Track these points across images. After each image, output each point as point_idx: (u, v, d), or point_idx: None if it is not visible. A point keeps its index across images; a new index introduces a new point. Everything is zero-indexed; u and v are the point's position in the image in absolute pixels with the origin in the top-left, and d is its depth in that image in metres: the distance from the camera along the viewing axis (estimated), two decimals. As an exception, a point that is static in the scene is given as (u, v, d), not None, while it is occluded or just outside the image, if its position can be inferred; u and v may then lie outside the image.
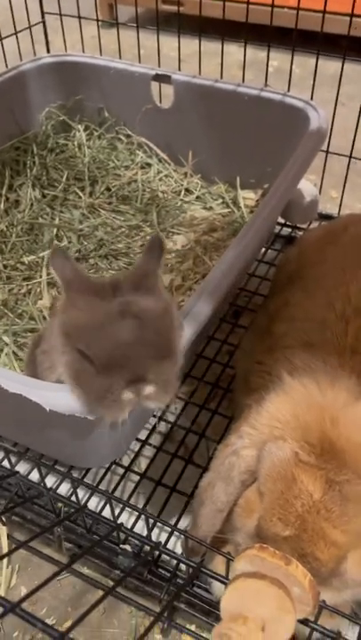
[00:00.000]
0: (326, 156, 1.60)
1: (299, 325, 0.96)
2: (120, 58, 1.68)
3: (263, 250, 1.62)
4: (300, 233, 1.67)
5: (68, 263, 0.76)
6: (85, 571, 1.05)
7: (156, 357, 0.69)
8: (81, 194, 1.60)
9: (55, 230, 1.48)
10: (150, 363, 0.68)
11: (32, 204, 1.55)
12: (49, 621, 0.99)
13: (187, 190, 1.67)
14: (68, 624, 0.98)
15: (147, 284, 0.76)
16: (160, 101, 1.65)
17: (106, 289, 0.75)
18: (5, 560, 1.06)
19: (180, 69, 1.60)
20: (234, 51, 1.75)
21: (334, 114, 1.49)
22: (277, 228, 1.69)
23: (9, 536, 1.07)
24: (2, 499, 1.07)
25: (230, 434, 0.85)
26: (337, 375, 0.80)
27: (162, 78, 1.60)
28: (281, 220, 1.67)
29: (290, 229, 1.69)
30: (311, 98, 1.45)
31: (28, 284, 1.35)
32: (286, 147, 1.33)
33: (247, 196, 1.60)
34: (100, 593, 1.01)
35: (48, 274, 1.37)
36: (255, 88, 1.50)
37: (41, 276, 1.37)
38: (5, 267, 1.39)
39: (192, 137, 1.64)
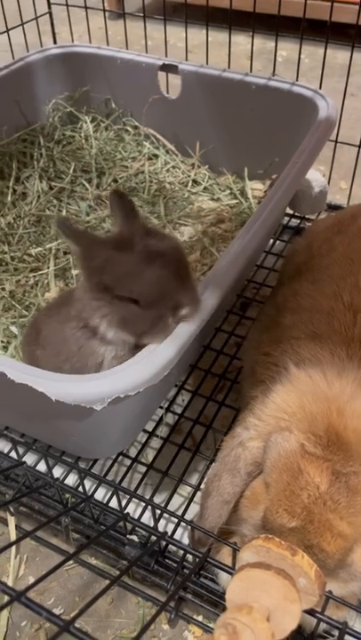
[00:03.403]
0: (335, 146, 1.58)
1: (306, 316, 0.96)
2: (127, 49, 1.67)
3: (271, 241, 1.61)
4: (309, 224, 1.66)
5: (74, 227, 0.83)
6: (93, 561, 1.05)
7: (184, 284, 0.81)
8: (88, 185, 1.60)
9: (62, 222, 1.48)
10: (182, 290, 0.80)
11: (39, 196, 1.55)
12: (56, 611, 0.99)
13: (194, 181, 1.66)
14: (75, 613, 0.99)
15: (152, 231, 0.85)
16: (167, 92, 1.64)
17: (123, 242, 0.82)
18: (14, 550, 1.07)
19: (187, 60, 1.59)
20: (241, 41, 1.74)
21: (343, 103, 1.47)
22: (286, 219, 1.68)
23: (17, 526, 1.08)
24: (10, 489, 1.08)
25: (237, 425, 0.85)
26: (344, 366, 0.80)
27: (169, 68, 1.58)
28: (289, 211, 1.66)
29: (298, 220, 1.68)
30: (320, 87, 1.44)
31: (35, 276, 1.35)
32: (295, 137, 1.31)
33: (255, 187, 1.59)
34: (108, 583, 1.02)
35: (55, 265, 1.37)
36: (263, 77, 1.49)
37: (48, 268, 1.37)
38: (13, 259, 1.39)
39: (199, 127, 1.63)
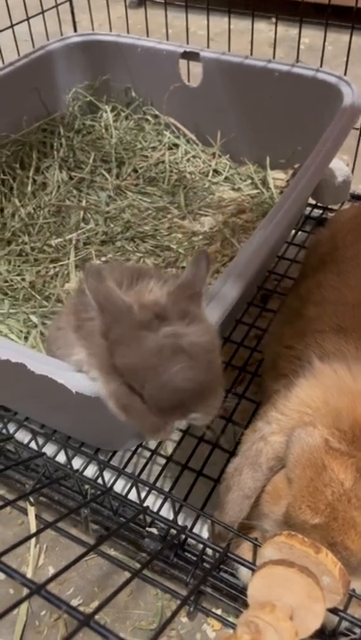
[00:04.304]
0: (360, 135, 1.55)
1: (331, 309, 0.94)
2: (148, 37, 1.65)
3: (293, 232, 1.58)
4: (332, 214, 1.63)
5: (102, 286, 0.72)
6: (112, 552, 1.05)
7: (206, 394, 0.69)
8: (108, 175, 1.59)
9: (82, 213, 1.48)
10: (200, 400, 0.69)
11: (59, 187, 1.54)
12: (75, 601, 1.00)
13: (215, 171, 1.64)
14: (94, 604, 1.00)
15: (192, 309, 0.73)
16: (188, 80, 1.61)
17: (149, 317, 0.71)
18: (34, 540, 1.07)
19: (208, 48, 1.57)
20: (263, 28, 1.70)
21: (368, 90, 1.43)
22: (308, 209, 1.65)
23: (37, 516, 1.09)
24: (30, 479, 1.08)
25: (258, 419, 0.84)
26: (370, 360, 0.78)
27: (190, 56, 1.56)
28: (312, 201, 1.63)
29: (321, 211, 1.65)
30: (345, 74, 1.40)
31: (55, 267, 1.35)
32: (318, 124, 1.29)
33: (277, 177, 1.57)
34: (127, 574, 1.02)
35: (76, 256, 1.36)
36: (286, 64, 1.46)
37: (68, 259, 1.36)
38: (33, 249, 1.39)
39: (220, 116, 1.61)
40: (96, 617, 0.49)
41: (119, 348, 0.70)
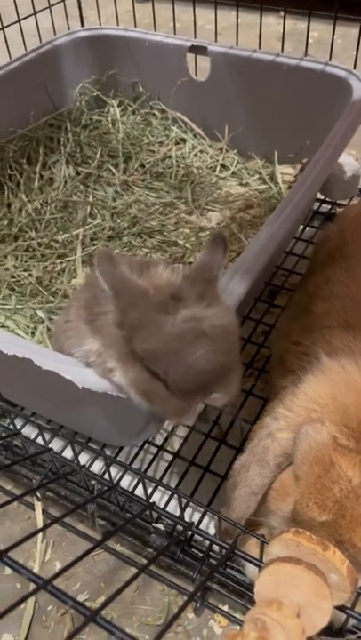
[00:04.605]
0: (369, 129, 1.53)
1: (339, 305, 0.93)
2: (155, 31, 1.64)
3: (301, 227, 1.57)
4: (340, 210, 1.61)
5: (116, 270, 0.72)
6: (119, 548, 1.05)
7: (226, 374, 0.70)
8: (115, 171, 1.58)
9: (89, 208, 1.47)
10: (221, 380, 0.70)
11: (66, 182, 1.54)
12: (82, 596, 1.00)
13: (222, 166, 1.63)
14: (101, 599, 1.00)
15: (209, 291, 0.73)
16: (196, 74, 1.61)
17: (167, 301, 0.70)
18: (40, 535, 1.08)
19: (216, 42, 1.56)
20: (271, 22, 1.69)
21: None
22: (316, 204, 1.64)
23: (44, 511, 1.09)
24: (37, 474, 1.09)
25: (265, 416, 0.83)
26: (379, 357, 0.77)
27: (198, 50, 1.55)
28: (320, 197, 1.62)
29: (329, 206, 1.64)
30: (354, 68, 1.39)
31: (62, 262, 1.35)
32: (327, 119, 1.27)
33: (285, 172, 1.56)
34: (133, 570, 1.02)
35: (82, 252, 1.36)
36: (295, 58, 1.45)
37: (75, 254, 1.36)
38: (40, 245, 1.39)
39: (228, 110, 1.60)
40: (102, 612, 0.49)
41: (138, 333, 0.68)
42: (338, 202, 1.64)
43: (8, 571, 1.04)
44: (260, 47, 1.54)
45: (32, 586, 0.53)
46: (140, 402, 0.73)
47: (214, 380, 0.69)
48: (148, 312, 0.69)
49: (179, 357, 0.67)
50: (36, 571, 0.98)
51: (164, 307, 0.69)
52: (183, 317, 0.68)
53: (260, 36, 1.54)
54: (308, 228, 1.59)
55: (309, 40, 1.55)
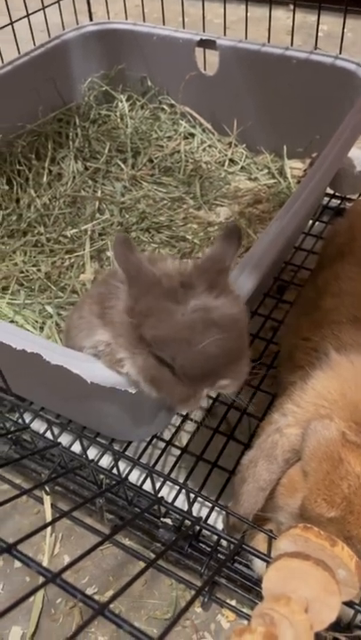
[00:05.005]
0: (379, 123, 1.52)
1: (348, 300, 0.93)
2: (164, 26, 1.64)
3: (310, 222, 1.56)
4: (350, 204, 1.60)
5: (132, 255, 0.73)
6: (127, 542, 1.06)
7: (234, 363, 0.71)
8: (123, 166, 1.58)
9: (97, 203, 1.47)
10: (228, 366, 0.71)
11: (74, 177, 1.54)
12: (90, 590, 1.00)
13: (231, 161, 1.62)
14: (109, 593, 1.00)
15: (220, 281, 0.73)
16: (204, 68, 1.60)
17: (177, 288, 0.71)
18: (49, 529, 1.08)
19: (225, 36, 1.55)
20: (281, 16, 1.68)
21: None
22: (326, 199, 1.63)
23: (53, 505, 1.10)
24: (45, 468, 1.09)
25: (274, 411, 0.83)
26: (388, 352, 0.77)
27: (207, 44, 1.54)
28: (330, 191, 1.61)
29: (339, 201, 1.63)
30: (364, 61, 1.38)
31: (70, 258, 1.35)
32: (337, 113, 1.26)
33: (294, 166, 1.55)
34: (141, 564, 1.03)
35: (91, 247, 1.36)
36: (304, 51, 1.44)
37: (84, 250, 1.36)
38: (48, 240, 1.39)
39: (237, 105, 1.59)
40: (111, 606, 0.49)
41: (148, 320, 0.69)
42: (347, 196, 1.63)
43: (17, 564, 1.05)
44: (269, 41, 1.53)
45: (41, 579, 0.54)
46: (148, 390, 0.74)
47: (221, 367, 0.70)
48: (159, 299, 0.70)
49: (187, 344, 0.67)
50: (45, 564, 0.99)
51: (174, 295, 0.70)
52: (193, 307, 0.69)
53: (269, 29, 1.53)
54: (317, 222, 1.58)
55: (319, 33, 1.54)
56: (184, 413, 1.15)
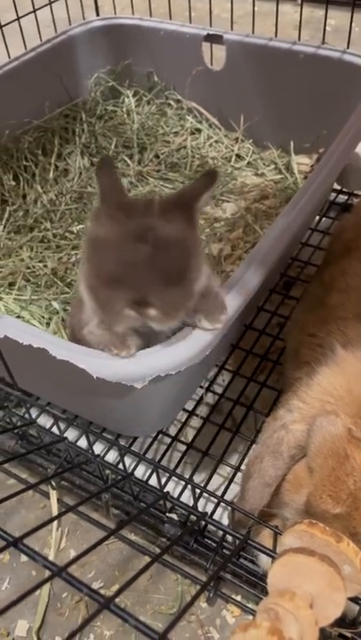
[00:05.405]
0: (387, 118, 1.51)
1: (355, 296, 0.92)
2: (170, 20, 1.63)
3: (317, 218, 1.56)
4: (357, 200, 1.60)
5: (112, 175, 0.76)
6: (133, 537, 1.06)
7: (164, 283, 0.68)
8: (129, 161, 1.58)
9: (104, 199, 1.47)
10: (156, 287, 0.68)
11: (81, 173, 1.54)
12: (96, 584, 1.01)
13: (237, 156, 1.62)
14: (115, 587, 1.01)
15: (181, 212, 0.73)
16: (211, 63, 1.59)
17: (137, 208, 0.73)
18: (55, 523, 1.09)
19: (232, 30, 1.54)
20: (288, 10, 1.66)
21: None
22: (333, 194, 1.62)
23: (59, 500, 1.10)
24: (52, 463, 1.10)
25: (279, 407, 0.83)
26: (394, 349, 0.77)
27: (213, 39, 1.54)
28: (337, 187, 1.60)
29: (346, 196, 1.62)
30: (372, 56, 1.37)
31: (76, 253, 1.35)
32: (344, 108, 1.25)
33: (301, 162, 1.54)
34: (147, 559, 1.03)
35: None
36: (312, 46, 1.43)
37: (90, 245, 1.36)
38: (55, 236, 1.39)
39: (244, 100, 1.58)
40: (116, 600, 0.50)
41: (97, 227, 0.73)
42: (355, 192, 1.62)
43: (24, 558, 1.06)
44: (276, 36, 1.52)
45: (47, 573, 0.54)
46: (87, 298, 0.76)
47: (142, 282, 0.68)
48: (117, 214, 0.72)
49: (114, 249, 0.69)
50: (51, 558, 1.00)
51: (131, 212, 0.72)
52: (136, 223, 0.70)
53: (276, 24, 1.52)
54: (324, 218, 1.57)
55: (327, 28, 1.53)
56: (185, 410, 1.15)
